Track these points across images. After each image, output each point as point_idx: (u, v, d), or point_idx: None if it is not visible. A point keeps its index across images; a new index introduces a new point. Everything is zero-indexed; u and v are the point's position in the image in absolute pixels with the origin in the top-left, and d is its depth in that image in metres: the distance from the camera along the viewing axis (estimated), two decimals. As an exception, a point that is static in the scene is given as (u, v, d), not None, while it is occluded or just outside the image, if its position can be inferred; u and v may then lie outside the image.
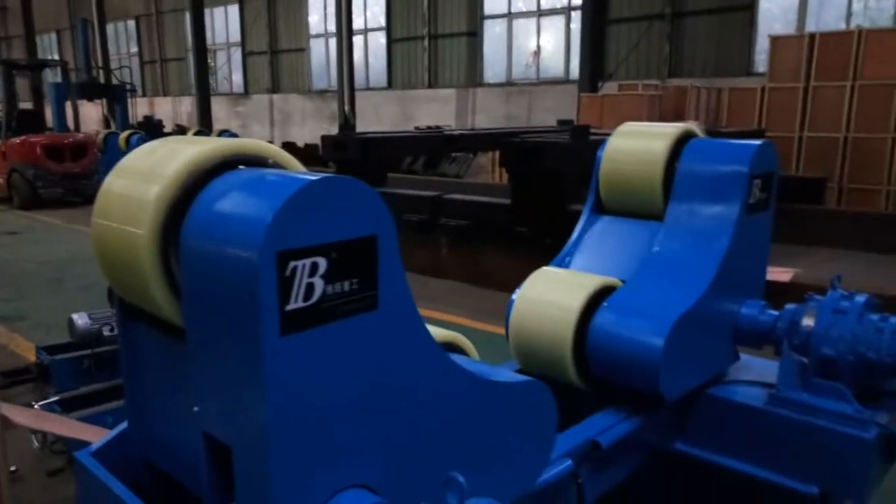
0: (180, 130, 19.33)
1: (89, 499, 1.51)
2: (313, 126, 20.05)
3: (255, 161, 1.29)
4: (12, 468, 2.99)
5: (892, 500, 2.57)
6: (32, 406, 3.14)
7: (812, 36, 9.13)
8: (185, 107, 24.04)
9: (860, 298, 2.04)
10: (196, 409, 1.21)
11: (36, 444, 3.20)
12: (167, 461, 1.46)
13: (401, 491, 1.25)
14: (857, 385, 1.98)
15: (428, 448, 1.31)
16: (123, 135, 12.13)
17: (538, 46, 16.10)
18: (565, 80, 15.23)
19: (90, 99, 14.86)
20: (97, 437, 1.59)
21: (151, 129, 14.94)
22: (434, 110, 17.29)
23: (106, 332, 3.56)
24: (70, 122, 13.92)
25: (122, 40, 27.49)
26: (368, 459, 1.20)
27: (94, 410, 3.14)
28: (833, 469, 1.94)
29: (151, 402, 1.46)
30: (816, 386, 1.98)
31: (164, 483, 1.48)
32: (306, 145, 16.82)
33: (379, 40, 19.05)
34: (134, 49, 27.03)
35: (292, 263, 1.03)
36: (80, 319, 3.55)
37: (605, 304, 2.02)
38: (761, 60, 11.87)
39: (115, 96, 14.41)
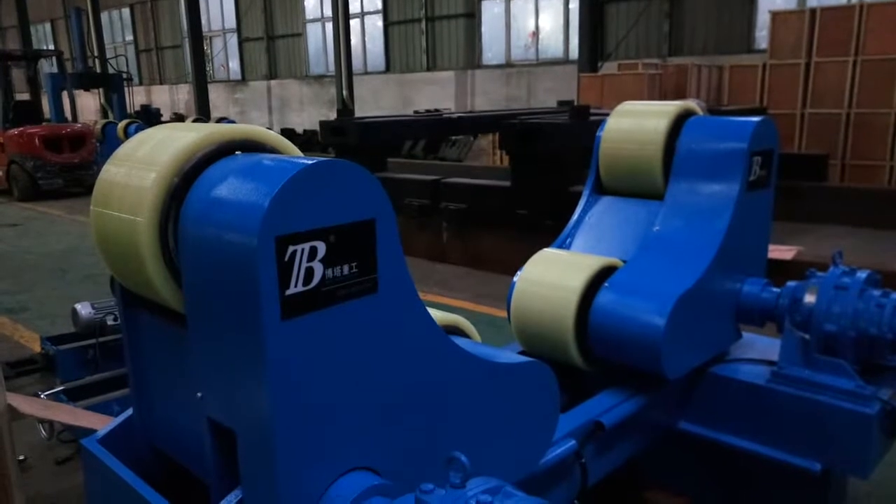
0: (178, 118, 19.23)
1: (97, 484, 1.52)
2: (312, 112, 19.95)
3: (252, 147, 1.28)
4: (21, 457, 3.02)
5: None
6: (39, 396, 3.16)
7: (813, 11, 9.01)
8: (183, 95, 23.92)
9: (861, 274, 2.03)
10: (199, 394, 1.22)
11: (44, 433, 3.22)
12: (173, 446, 1.47)
13: (404, 472, 1.26)
14: (859, 361, 1.98)
15: (430, 430, 1.31)
16: (122, 124, 12.07)
17: (537, 27, 15.95)
18: (565, 61, 15.10)
19: (87, 89, 14.79)
20: (104, 425, 1.60)
21: (149, 117, 14.83)
22: (433, 93, 17.17)
23: (109, 322, 3.57)
24: (67, 113, 13.87)
25: (117, 29, 27.27)
26: (371, 442, 1.21)
27: (101, 399, 3.17)
28: (835, 445, 1.95)
29: (155, 388, 1.47)
30: (818, 362, 1.99)
31: (171, 467, 1.50)
32: (305, 131, 16.74)
33: (376, 24, 18.87)
34: (129, 37, 26.83)
35: (291, 248, 1.03)
36: (84, 309, 3.56)
37: (606, 284, 2.02)
38: (762, 37, 11.73)
39: (112, 85, 14.32)
